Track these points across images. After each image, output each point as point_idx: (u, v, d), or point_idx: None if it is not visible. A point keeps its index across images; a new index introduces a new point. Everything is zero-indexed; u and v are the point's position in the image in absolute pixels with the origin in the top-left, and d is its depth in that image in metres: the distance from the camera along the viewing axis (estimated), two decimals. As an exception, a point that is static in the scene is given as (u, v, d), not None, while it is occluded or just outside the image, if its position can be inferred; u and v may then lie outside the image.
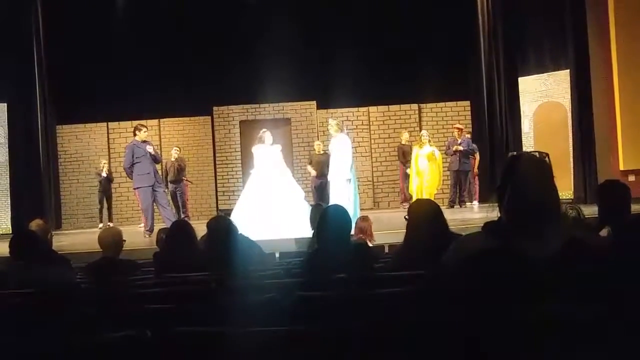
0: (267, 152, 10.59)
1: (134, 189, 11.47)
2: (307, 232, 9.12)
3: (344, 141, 10.55)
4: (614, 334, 1.70)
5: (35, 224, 5.72)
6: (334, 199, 10.23)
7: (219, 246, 4.49)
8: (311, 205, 9.84)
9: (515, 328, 1.66)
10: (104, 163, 14.29)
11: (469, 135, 14.21)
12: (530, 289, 1.72)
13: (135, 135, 11.30)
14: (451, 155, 13.97)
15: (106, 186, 14.26)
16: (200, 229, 5.43)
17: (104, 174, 14.15)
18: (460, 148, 13.80)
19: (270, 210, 9.99)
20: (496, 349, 1.67)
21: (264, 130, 10.96)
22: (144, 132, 11.34)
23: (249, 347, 2.42)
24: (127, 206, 14.99)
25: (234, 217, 9.95)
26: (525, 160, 2.16)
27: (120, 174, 15.04)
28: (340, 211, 4.41)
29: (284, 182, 10.54)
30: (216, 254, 4.45)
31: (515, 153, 2.30)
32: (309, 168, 14.07)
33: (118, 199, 15.26)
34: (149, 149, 11.08)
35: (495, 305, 1.70)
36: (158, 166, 11.77)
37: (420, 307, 2.52)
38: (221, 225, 4.82)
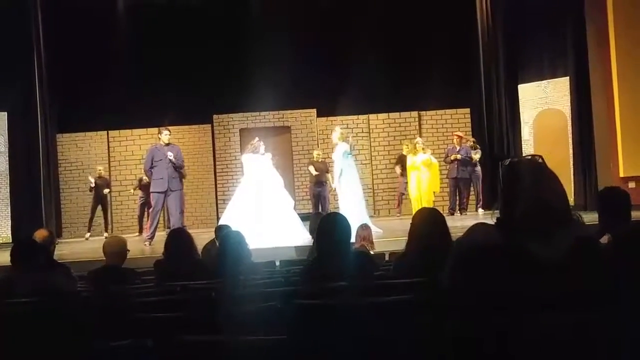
0: (259, 160, 10.67)
1: (150, 192, 11.43)
2: (298, 240, 9.19)
3: (337, 150, 10.84)
4: (615, 341, 1.70)
5: (40, 235, 5.70)
6: (340, 205, 10.60)
7: (229, 256, 4.48)
8: (310, 213, 9.91)
9: (521, 330, 1.66)
10: (99, 170, 14.21)
11: (470, 144, 14.20)
12: (537, 290, 1.72)
13: (159, 138, 11.26)
14: (449, 163, 13.98)
15: (95, 195, 14.13)
16: (201, 237, 5.43)
17: (91, 184, 14.06)
18: (459, 157, 13.80)
19: (261, 219, 10.01)
20: (501, 352, 1.66)
21: (257, 139, 11.02)
22: (165, 135, 11.15)
23: (249, 355, 2.42)
24: (127, 214, 14.99)
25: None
26: (523, 165, 2.16)
27: (121, 182, 15.09)
28: (340, 219, 4.39)
29: (275, 190, 10.60)
30: (224, 263, 4.44)
31: (507, 161, 2.28)
32: (311, 169, 13.94)
33: (118, 207, 15.25)
34: (170, 154, 10.92)
35: (501, 304, 1.70)
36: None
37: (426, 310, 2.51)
38: (232, 236, 4.80)
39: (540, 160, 2.13)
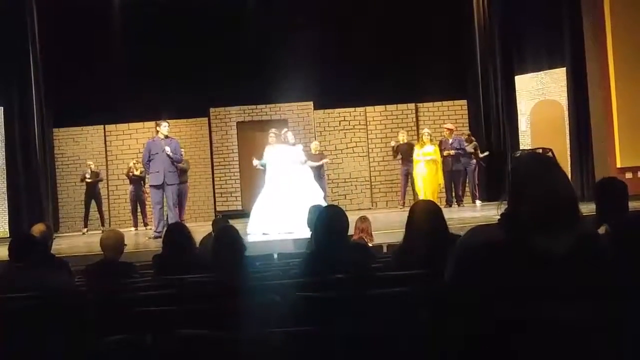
0: (284, 151, 10.71)
1: (149, 185, 11.36)
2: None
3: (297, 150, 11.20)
4: (614, 333, 1.70)
5: (37, 229, 5.69)
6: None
7: (225, 251, 4.47)
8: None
9: (525, 324, 1.66)
10: (89, 164, 14.20)
11: (464, 137, 14.18)
12: (541, 284, 1.72)
13: (157, 131, 11.15)
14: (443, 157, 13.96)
15: (87, 190, 14.14)
16: (198, 231, 5.43)
17: (87, 179, 14.06)
18: (452, 152, 13.74)
19: (290, 208, 10.01)
20: (502, 349, 1.66)
21: (285, 130, 11.15)
22: (164, 127, 10.94)
23: (248, 349, 2.42)
24: (125, 209, 14.97)
25: (253, 215, 10.17)
26: (529, 160, 2.16)
27: (118, 176, 15.08)
28: (336, 211, 4.37)
29: (302, 181, 10.64)
30: (221, 259, 4.43)
31: (518, 153, 2.28)
32: (309, 162, 13.95)
33: (115, 202, 15.24)
34: (167, 148, 10.75)
35: (505, 300, 1.69)
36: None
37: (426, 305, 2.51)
38: (229, 233, 4.79)
39: (549, 154, 2.13)
